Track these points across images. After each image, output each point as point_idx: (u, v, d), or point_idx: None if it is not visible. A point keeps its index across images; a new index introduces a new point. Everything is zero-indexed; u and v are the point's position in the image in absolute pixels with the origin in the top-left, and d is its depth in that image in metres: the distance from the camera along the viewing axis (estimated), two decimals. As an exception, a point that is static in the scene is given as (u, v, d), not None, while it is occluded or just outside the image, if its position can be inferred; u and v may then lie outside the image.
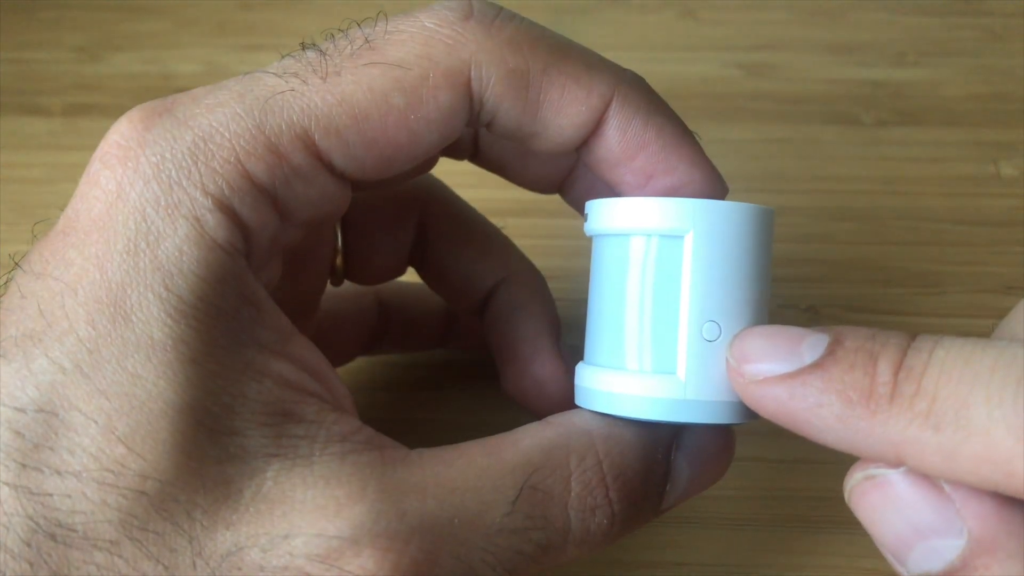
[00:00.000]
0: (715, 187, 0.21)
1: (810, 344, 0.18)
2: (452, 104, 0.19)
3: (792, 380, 0.17)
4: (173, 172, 0.18)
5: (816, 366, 0.17)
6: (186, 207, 0.18)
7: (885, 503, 0.17)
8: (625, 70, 0.21)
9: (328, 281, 0.26)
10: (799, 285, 0.33)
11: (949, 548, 0.17)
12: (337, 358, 0.28)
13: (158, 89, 0.43)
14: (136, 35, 0.46)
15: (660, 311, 0.19)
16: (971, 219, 0.36)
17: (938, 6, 0.46)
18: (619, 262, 0.20)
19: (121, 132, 0.19)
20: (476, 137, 0.24)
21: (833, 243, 0.35)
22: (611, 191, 0.22)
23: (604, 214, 0.20)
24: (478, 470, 0.18)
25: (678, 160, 0.21)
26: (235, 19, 0.45)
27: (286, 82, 0.19)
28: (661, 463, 0.20)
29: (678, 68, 0.42)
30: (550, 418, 0.20)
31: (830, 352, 0.17)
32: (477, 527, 0.18)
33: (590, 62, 0.20)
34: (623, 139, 0.20)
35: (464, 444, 0.19)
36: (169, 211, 0.18)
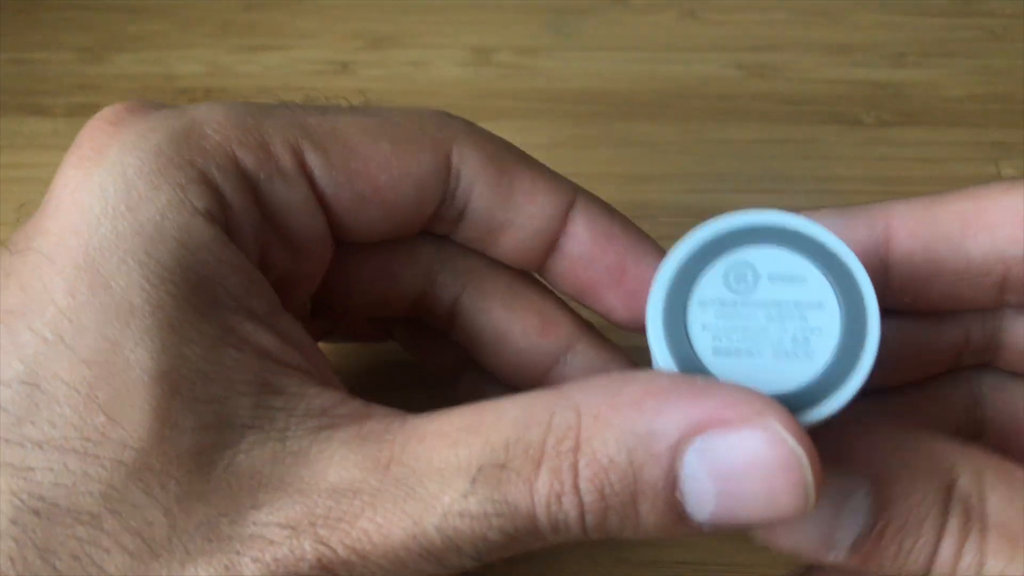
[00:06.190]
0: None
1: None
2: (432, 166, 0.21)
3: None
4: (163, 144, 0.18)
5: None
6: (170, 174, 0.18)
7: None
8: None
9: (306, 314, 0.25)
10: (800, 285, 0.33)
11: None
12: None
13: (161, 89, 0.43)
14: (139, 36, 0.46)
15: None
16: (971, 219, 0.36)
17: (939, 7, 0.46)
18: None
19: (115, 108, 0.20)
20: (460, 215, 0.23)
21: (834, 243, 0.35)
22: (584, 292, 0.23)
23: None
24: (450, 441, 0.17)
25: (644, 252, 0.22)
26: (238, 20, 0.45)
27: (287, 106, 0.21)
28: (662, 462, 0.16)
29: (678, 68, 0.42)
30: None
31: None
32: (433, 506, 0.17)
33: (552, 171, 0.23)
34: (592, 232, 0.22)
35: (449, 412, 0.18)
36: (152, 177, 0.18)
